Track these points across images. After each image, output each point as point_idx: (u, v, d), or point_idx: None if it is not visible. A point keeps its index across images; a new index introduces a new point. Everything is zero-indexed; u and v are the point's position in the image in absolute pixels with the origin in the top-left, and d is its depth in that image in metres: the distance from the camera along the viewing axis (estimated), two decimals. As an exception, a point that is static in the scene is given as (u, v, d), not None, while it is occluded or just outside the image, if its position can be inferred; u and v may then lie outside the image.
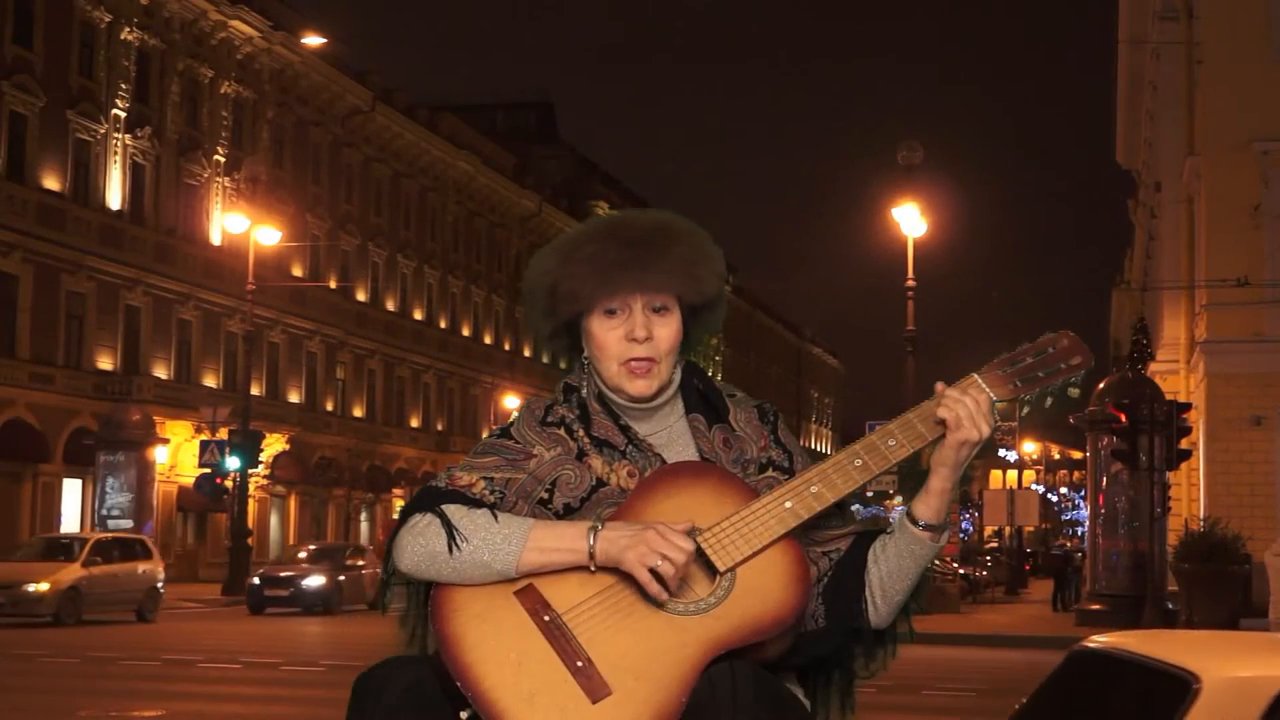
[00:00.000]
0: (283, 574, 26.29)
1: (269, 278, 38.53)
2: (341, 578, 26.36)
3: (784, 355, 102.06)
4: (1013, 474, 67.63)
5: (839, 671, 2.41)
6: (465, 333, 57.38)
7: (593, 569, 2.22)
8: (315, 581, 25.87)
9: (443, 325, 55.58)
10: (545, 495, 2.35)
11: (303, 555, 28.05)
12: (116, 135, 37.10)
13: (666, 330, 2.37)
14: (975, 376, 2.31)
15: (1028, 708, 4.08)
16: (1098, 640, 4.11)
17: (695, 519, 2.25)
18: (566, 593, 2.23)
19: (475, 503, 2.31)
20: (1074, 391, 2.34)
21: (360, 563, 27.72)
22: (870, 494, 43.40)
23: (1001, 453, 63.24)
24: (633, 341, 2.36)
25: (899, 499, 37.20)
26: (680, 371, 2.46)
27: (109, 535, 24.99)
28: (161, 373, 38.69)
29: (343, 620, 23.90)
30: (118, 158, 37.24)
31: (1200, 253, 27.58)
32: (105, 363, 36.82)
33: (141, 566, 22.95)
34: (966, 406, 2.26)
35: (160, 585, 23.23)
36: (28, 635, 18.24)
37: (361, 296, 49.65)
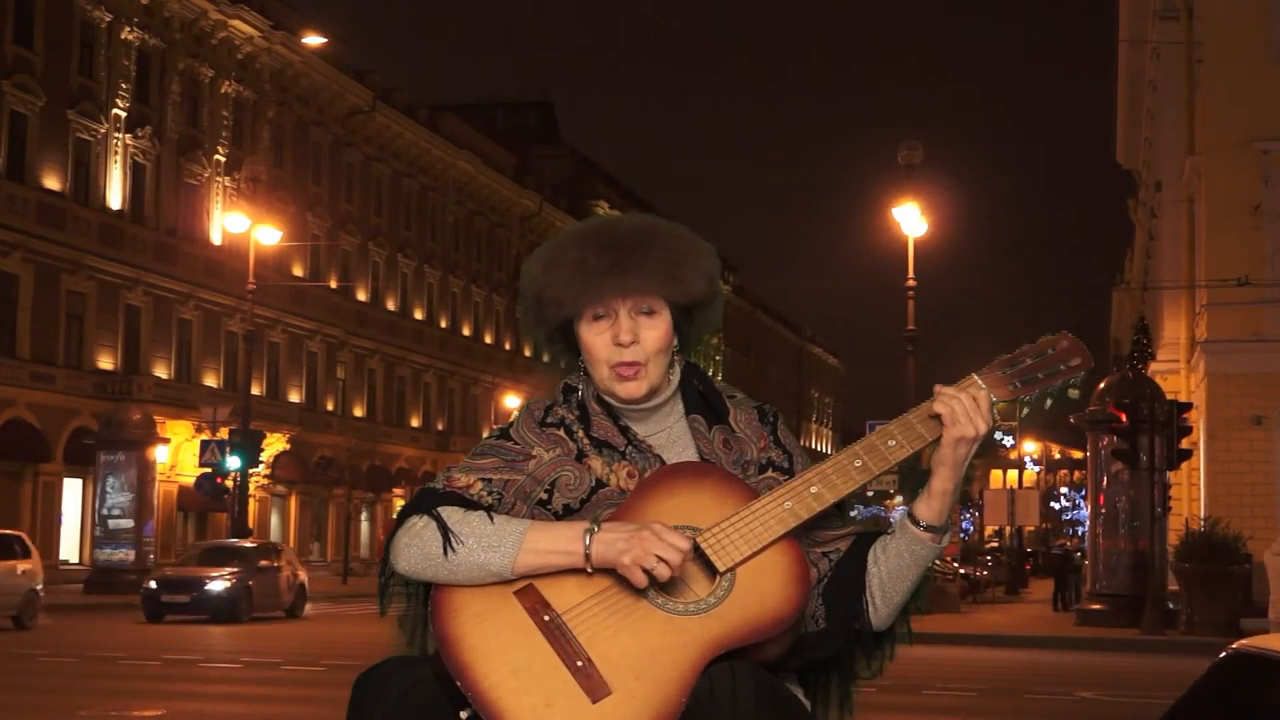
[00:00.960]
0: (183, 576, 22.99)
1: (269, 277, 38.52)
2: (251, 581, 22.96)
3: (784, 355, 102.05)
4: (1013, 474, 67.68)
5: (838, 672, 2.41)
6: (465, 332, 57.41)
7: (589, 570, 2.22)
8: (220, 585, 22.55)
9: (443, 325, 55.60)
10: (544, 496, 2.35)
11: (206, 555, 24.40)
12: (117, 135, 37.11)
13: (654, 333, 2.37)
14: (974, 377, 2.31)
15: (1179, 708, 4.07)
16: (1252, 642, 4.11)
17: (695, 519, 2.25)
18: (566, 593, 2.23)
19: (473, 504, 2.31)
20: (1073, 393, 2.35)
21: (276, 563, 24.35)
22: (870, 494, 43.41)
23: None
24: (619, 346, 2.36)
25: (899, 499, 37.21)
26: (679, 372, 2.47)
27: None
28: (162, 372, 38.70)
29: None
30: (118, 157, 37.25)
31: (1200, 252, 27.59)
32: (105, 362, 36.83)
33: (21, 567, 20.21)
34: (962, 402, 2.27)
35: (39, 588, 20.50)
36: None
37: (362, 296, 49.66)
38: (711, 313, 2.45)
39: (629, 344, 2.36)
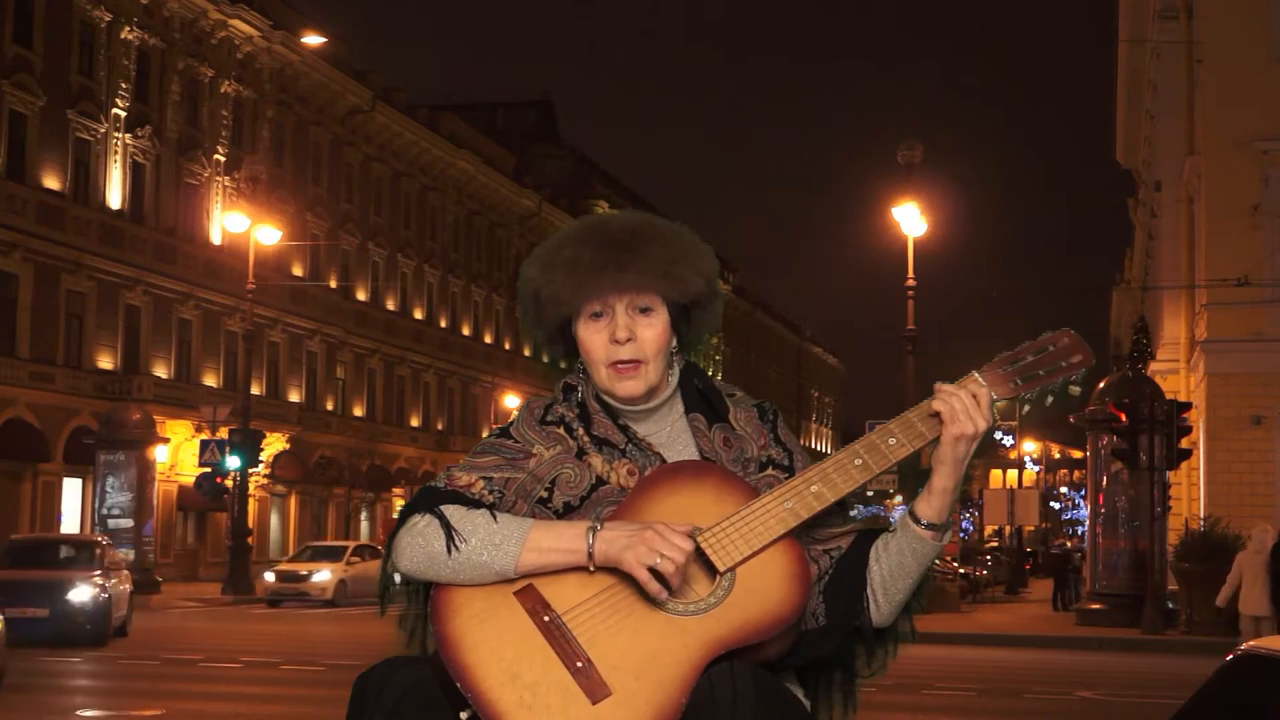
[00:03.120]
0: None
1: (269, 277, 38.52)
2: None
3: (784, 355, 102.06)
4: (1013, 473, 67.67)
5: (840, 671, 2.41)
6: (465, 332, 57.41)
7: (591, 569, 2.22)
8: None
9: (443, 324, 55.60)
10: (545, 494, 2.35)
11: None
12: (116, 134, 37.10)
13: (651, 331, 2.37)
14: (975, 374, 2.31)
15: (1189, 709, 4.07)
16: (1261, 643, 4.11)
17: (695, 518, 2.24)
18: (566, 593, 2.23)
19: (474, 503, 2.31)
20: (1074, 390, 2.34)
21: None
22: (870, 493, 43.42)
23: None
24: (615, 344, 2.36)
25: (899, 498, 37.19)
26: (679, 372, 2.46)
27: None
28: (162, 372, 38.69)
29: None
30: (118, 157, 37.24)
31: (1200, 252, 27.59)
32: (105, 362, 36.82)
33: None
34: (961, 400, 2.26)
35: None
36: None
37: (361, 296, 49.65)
38: (710, 313, 2.45)
39: (625, 341, 2.35)
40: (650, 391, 2.40)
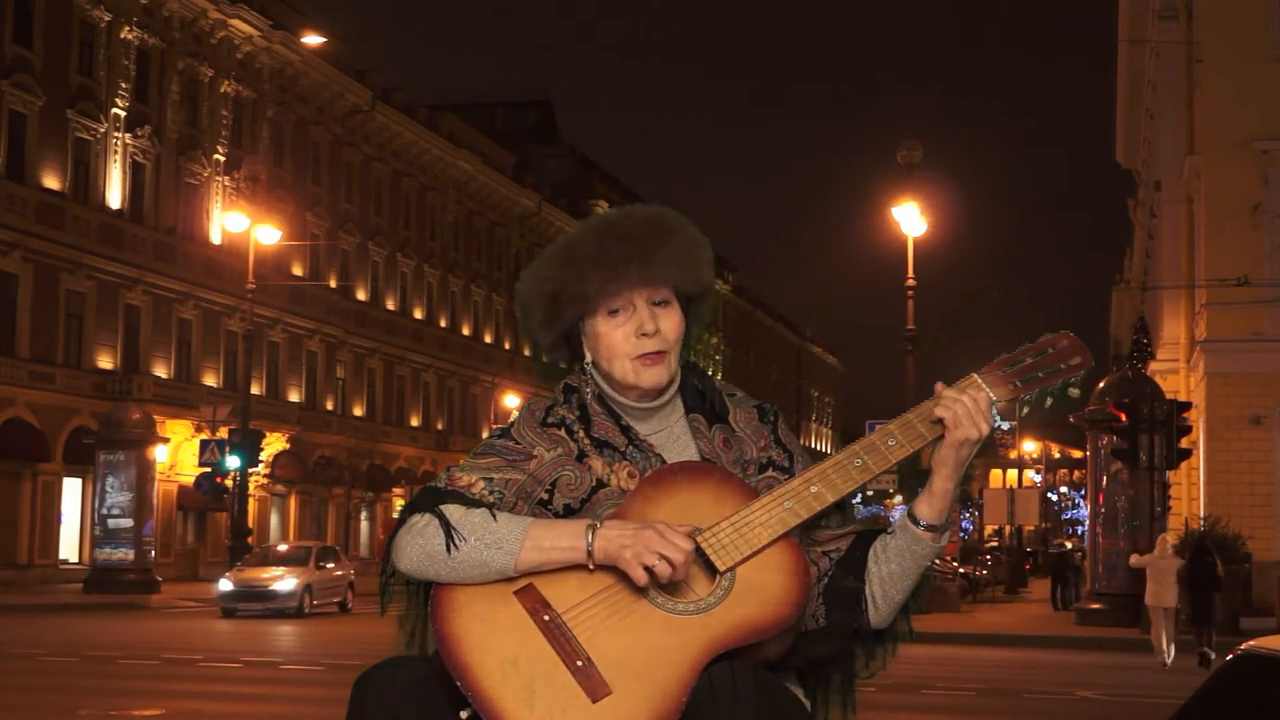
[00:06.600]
0: None
1: (269, 277, 38.52)
2: None
3: (784, 355, 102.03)
4: (1013, 473, 67.66)
5: (839, 672, 2.41)
6: (465, 332, 57.40)
7: (591, 567, 2.22)
8: None
9: (443, 324, 55.59)
10: (545, 496, 2.35)
11: None
12: (116, 134, 37.10)
13: (670, 322, 2.38)
14: (975, 376, 2.31)
15: (1189, 708, 4.08)
16: (1260, 643, 4.12)
17: (695, 519, 2.25)
18: (566, 592, 2.23)
19: (474, 503, 2.31)
20: (1074, 392, 2.35)
21: None
22: (870, 493, 43.42)
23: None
24: (644, 337, 2.36)
25: (899, 498, 37.16)
26: (680, 371, 2.47)
27: None
28: (161, 372, 38.69)
29: None
30: (117, 157, 37.24)
31: (1200, 252, 27.60)
32: (105, 362, 36.83)
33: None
34: (964, 405, 2.26)
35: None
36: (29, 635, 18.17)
37: (361, 296, 49.66)
38: (707, 305, 2.47)
39: (653, 333, 2.36)
40: (670, 381, 2.41)
